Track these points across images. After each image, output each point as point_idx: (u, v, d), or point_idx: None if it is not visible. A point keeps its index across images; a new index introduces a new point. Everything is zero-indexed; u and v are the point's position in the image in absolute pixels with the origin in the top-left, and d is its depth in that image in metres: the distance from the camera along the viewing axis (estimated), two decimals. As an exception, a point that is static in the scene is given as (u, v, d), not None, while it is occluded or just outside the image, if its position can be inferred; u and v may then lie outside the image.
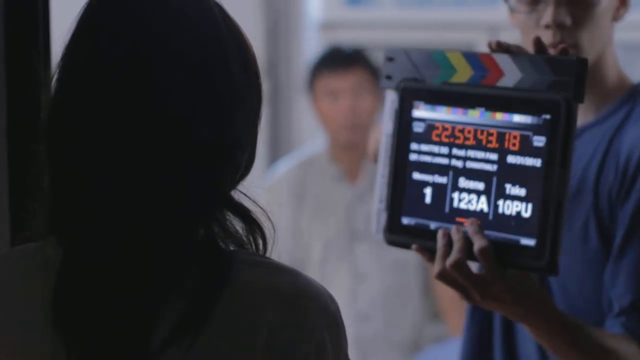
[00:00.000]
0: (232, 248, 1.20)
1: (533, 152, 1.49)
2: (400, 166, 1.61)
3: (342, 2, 4.19)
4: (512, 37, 4.49)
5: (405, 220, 1.61)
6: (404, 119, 1.61)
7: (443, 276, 1.53)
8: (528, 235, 1.49)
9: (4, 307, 1.22)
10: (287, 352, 1.15)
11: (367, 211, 3.31)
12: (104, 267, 1.16)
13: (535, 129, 1.49)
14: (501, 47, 1.59)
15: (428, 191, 1.58)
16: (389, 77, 1.66)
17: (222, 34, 1.20)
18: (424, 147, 1.59)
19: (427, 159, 1.58)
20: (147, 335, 1.14)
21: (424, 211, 1.59)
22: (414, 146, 1.60)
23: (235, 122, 1.20)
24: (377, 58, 3.46)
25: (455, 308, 3.38)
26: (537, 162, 1.49)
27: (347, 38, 4.17)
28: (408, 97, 1.61)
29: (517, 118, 1.51)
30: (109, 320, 1.15)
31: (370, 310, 3.31)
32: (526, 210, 1.49)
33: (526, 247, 1.49)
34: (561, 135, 1.48)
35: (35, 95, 1.47)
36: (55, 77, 1.19)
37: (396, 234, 1.62)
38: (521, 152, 1.50)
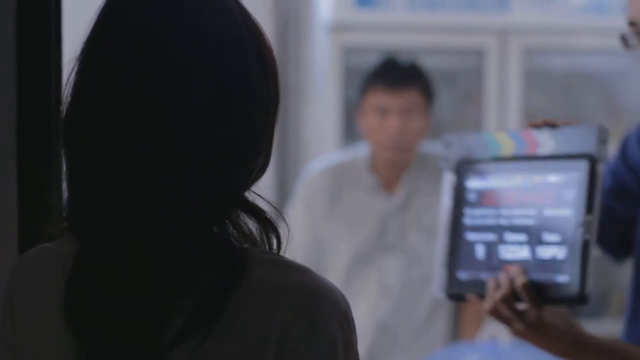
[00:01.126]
0: (245, 246, 1.20)
1: (565, 204, 1.79)
2: (457, 229, 1.90)
3: (352, 4, 4.19)
4: (521, 42, 4.49)
5: (461, 275, 1.88)
6: (459, 191, 1.91)
7: (493, 311, 1.78)
8: (562, 273, 1.77)
9: (27, 306, 1.22)
10: (299, 349, 1.15)
11: (400, 224, 3.27)
12: (110, 265, 1.16)
13: (566, 185, 1.80)
14: (547, 123, 1.89)
15: (480, 248, 1.87)
16: (446, 160, 1.94)
17: (240, 35, 1.19)
18: (476, 212, 1.89)
19: (478, 221, 1.88)
20: (152, 333, 1.14)
21: (476, 265, 1.87)
22: (467, 211, 1.89)
23: (252, 124, 1.20)
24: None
25: (472, 313, 3.36)
26: (568, 212, 1.79)
27: (357, 40, 4.17)
28: (463, 172, 1.91)
29: (552, 178, 1.83)
30: (113, 318, 1.15)
31: (392, 323, 3.28)
32: (560, 252, 1.78)
33: (561, 284, 1.78)
34: (586, 188, 1.78)
35: (46, 94, 1.47)
36: (73, 74, 1.20)
37: (453, 287, 1.89)
38: (555, 205, 1.81)
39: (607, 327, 4.62)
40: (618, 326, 4.91)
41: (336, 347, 1.17)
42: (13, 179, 1.59)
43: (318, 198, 3.27)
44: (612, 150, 4.98)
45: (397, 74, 3.25)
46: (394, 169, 3.28)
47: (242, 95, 1.19)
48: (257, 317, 1.15)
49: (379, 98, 3.22)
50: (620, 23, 4.87)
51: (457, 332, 3.42)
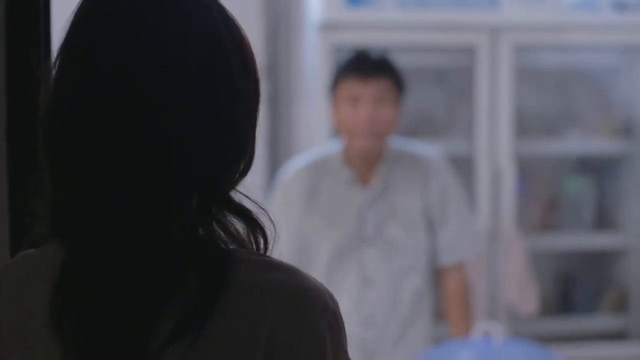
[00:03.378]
0: (232, 247, 1.19)
1: None
2: None
3: (343, 3, 4.18)
4: (512, 39, 4.49)
5: None
6: None
7: None
8: None
9: (12, 315, 1.22)
10: (288, 350, 1.15)
11: (377, 216, 3.30)
12: (96, 271, 1.15)
13: None
14: None
15: None
16: None
17: (220, 32, 1.18)
18: None
19: None
20: (140, 338, 1.14)
21: None
22: None
23: (235, 123, 1.19)
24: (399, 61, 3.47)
25: (460, 311, 3.38)
26: None
27: (348, 39, 4.16)
28: None
29: None
30: (100, 325, 1.14)
31: (376, 315, 3.30)
32: None
33: None
34: None
35: (36, 95, 1.47)
36: (52, 77, 1.18)
37: None
38: None
39: (600, 323, 4.63)
40: (612, 322, 4.93)
41: (325, 346, 1.17)
42: (4, 185, 1.59)
43: (296, 198, 3.31)
44: (605, 146, 4.98)
45: (368, 64, 3.32)
46: (367, 160, 3.33)
47: (225, 93, 1.18)
48: (245, 318, 1.15)
49: (350, 87, 3.29)
50: (610, 19, 4.88)
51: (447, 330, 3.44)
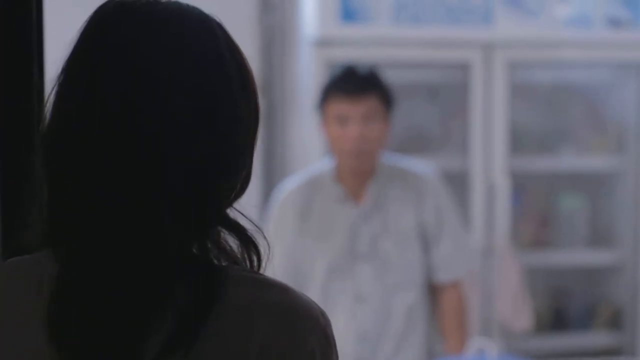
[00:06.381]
0: (225, 264, 1.20)
1: None
2: None
3: (337, 19, 4.19)
4: (505, 56, 4.49)
5: None
6: None
7: None
8: None
9: (1, 321, 1.21)
10: None
11: (370, 232, 3.30)
12: (95, 283, 1.15)
13: None
14: None
15: None
16: None
17: (223, 56, 1.20)
18: None
19: None
20: (132, 353, 1.14)
21: None
22: None
23: (233, 143, 1.20)
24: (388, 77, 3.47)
25: (455, 328, 3.37)
26: None
27: (343, 55, 4.17)
28: None
29: None
30: (98, 335, 1.15)
31: (369, 331, 3.30)
32: None
33: None
34: None
35: (29, 107, 1.47)
36: (54, 91, 1.19)
37: None
38: None
39: (595, 340, 4.63)
40: (606, 338, 4.93)
41: None
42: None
43: (290, 218, 3.32)
44: (599, 162, 4.99)
45: (356, 83, 3.31)
46: (359, 177, 3.34)
47: (225, 115, 1.19)
48: (236, 334, 1.15)
49: (338, 107, 3.29)
50: (603, 36, 4.90)
51: (439, 345, 3.44)
